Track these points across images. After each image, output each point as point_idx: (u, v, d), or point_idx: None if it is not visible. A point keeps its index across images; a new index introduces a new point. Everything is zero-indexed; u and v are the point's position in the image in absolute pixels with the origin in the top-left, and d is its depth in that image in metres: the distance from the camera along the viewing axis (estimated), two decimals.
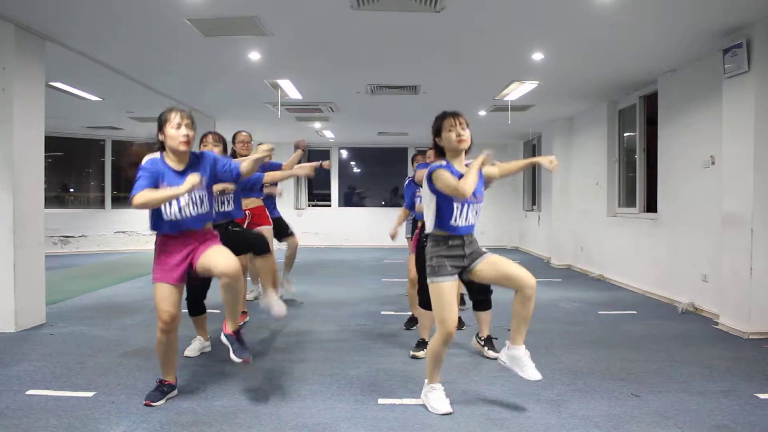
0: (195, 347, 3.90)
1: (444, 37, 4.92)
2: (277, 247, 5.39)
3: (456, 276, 2.85)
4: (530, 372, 2.90)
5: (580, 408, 2.93)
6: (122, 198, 11.82)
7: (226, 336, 3.01)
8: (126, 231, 11.27)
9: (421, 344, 3.83)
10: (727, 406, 2.95)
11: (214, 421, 2.74)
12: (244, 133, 4.86)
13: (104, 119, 9.36)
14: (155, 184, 2.80)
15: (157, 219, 2.88)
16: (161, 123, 2.88)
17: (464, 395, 3.12)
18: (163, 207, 2.81)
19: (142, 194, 2.70)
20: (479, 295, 3.89)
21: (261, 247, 3.90)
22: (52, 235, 10.24)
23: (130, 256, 10.22)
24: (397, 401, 3.03)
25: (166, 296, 2.87)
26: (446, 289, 2.80)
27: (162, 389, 3.00)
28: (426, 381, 2.98)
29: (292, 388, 3.21)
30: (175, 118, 2.86)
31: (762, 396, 3.10)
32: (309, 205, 13.09)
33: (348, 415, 2.83)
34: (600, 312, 5.47)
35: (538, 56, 5.45)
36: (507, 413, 2.87)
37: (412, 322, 4.60)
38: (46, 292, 4.89)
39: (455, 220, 2.81)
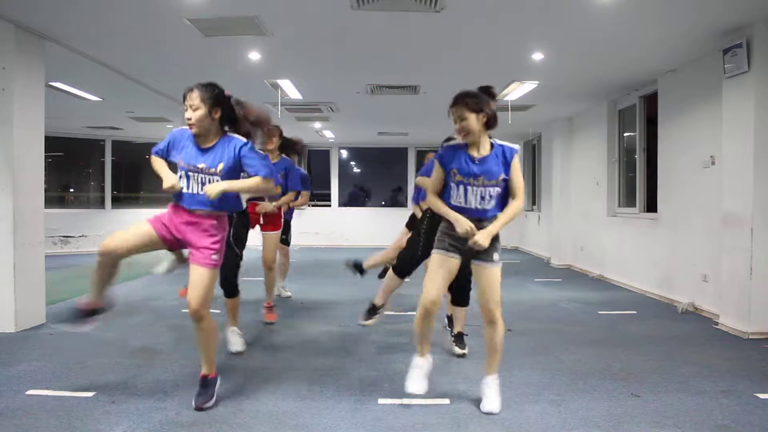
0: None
1: (444, 37, 4.92)
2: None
3: (452, 254, 2.86)
4: (487, 403, 2.89)
5: (580, 408, 2.93)
6: (122, 198, 11.83)
7: (199, 380, 2.96)
8: None
9: (372, 311, 4.03)
10: (727, 406, 2.95)
11: (214, 421, 2.74)
12: (271, 128, 4.59)
13: (104, 119, 9.36)
14: (167, 151, 2.91)
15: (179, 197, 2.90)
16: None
17: (464, 395, 3.12)
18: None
19: (155, 160, 2.96)
20: (458, 286, 3.82)
21: (228, 291, 4.00)
22: (52, 235, 10.23)
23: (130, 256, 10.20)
24: (397, 401, 3.03)
25: (135, 232, 2.84)
26: (436, 259, 2.89)
27: (86, 313, 2.94)
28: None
29: (292, 388, 3.21)
30: (186, 99, 2.80)
31: (762, 396, 3.10)
32: (309, 205, 13.09)
33: (348, 415, 2.83)
34: (600, 312, 5.47)
35: (538, 56, 5.45)
36: (507, 413, 2.87)
37: (360, 270, 4.88)
38: (46, 292, 4.89)
39: (453, 199, 2.86)
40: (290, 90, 6.92)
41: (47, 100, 4.92)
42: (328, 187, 13.18)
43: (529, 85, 6.71)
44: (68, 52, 5.19)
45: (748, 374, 3.50)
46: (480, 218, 2.83)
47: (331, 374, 3.47)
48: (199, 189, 2.82)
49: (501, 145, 2.87)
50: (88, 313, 2.98)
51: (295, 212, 6.20)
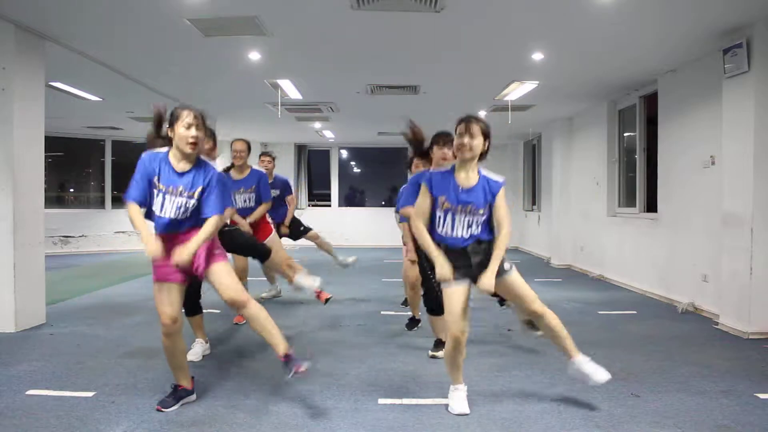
0: (197, 351, 3.82)
1: (444, 37, 4.92)
2: (296, 244, 5.53)
3: (460, 281, 2.82)
4: (596, 376, 2.93)
5: (580, 408, 2.93)
6: (122, 198, 11.83)
7: (282, 362, 2.90)
8: (126, 231, 11.26)
9: (439, 344, 3.82)
10: (727, 406, 2.95)
11: (214, 421, 2.74)
12: (238, 143, 4.72)
13: (104, 119, 9.36)
14: (148, 186, 2.80)
15: (149, 217, 2.88)
16: (172, 120, 2.82)
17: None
18: (152, 197, 2.82)
19: (132, 210, 2.78)
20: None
21: (261, 254, 4.08)
22: (52, 235, 10.24)
23: (130, 256, 10.22)
24: (397, 401, 3.03)
25: (165, 296, 2.82)
26: (450, 295, 2.82)
27: (176, 395, 2.94)
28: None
29: (292, 388, 3.21)
30: (187, 117, 2.78)
31: (762, 396, 3.10)
32: (309, 205, 13.10)
33: (348, 415, 2.83)
34: (600, 312, 5.47)
35: (538, 56, 5.45)
36: (507, 413, 2.87)
37: (413, 323, 4.60)
38: (46, 292, 4.89)
39: (438, 228, 2.83)
40: (290, 90, 6.92)
41: (47, 100, 4.92)
42: (328, 187, 13.19)
43: (529, 85, 6.71)
44: (68, 52, 5.19)
45: (748, 374, 3.50)
46: (469, 245, 2.82)
47: (331, 374, 3.47)
48: (175, 213, 2.81)
49: (487, 177, 2.84)
50: (183, 394, 2.97)
51: (296, 212, 6.20)
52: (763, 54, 4.36)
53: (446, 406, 2.95)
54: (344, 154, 13.59)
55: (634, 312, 5.49)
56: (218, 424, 2.71)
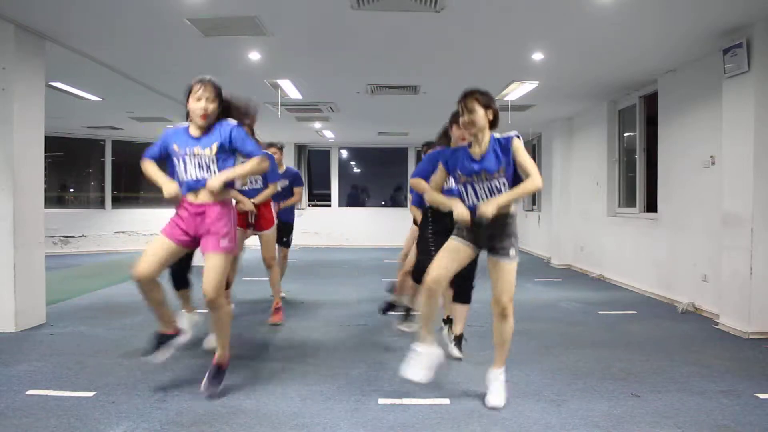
0: (184, 325, 3.65)
1: (444, 37, 4.92)
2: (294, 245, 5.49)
3: (467, 243, 2.92)
4: (491, 398, 2.94)
5: (580, 408, 2.93)
6: (122, 198, 11.83)
7: (211, 367, 3.10)
8: (126, 231, 11.27)
9: (407, 316, 3.79)
10: (727, 406, 2.95)
11: (215, 421, 2.74)
12: (272, 149, 4.96)
13: (104, 119, 9.36)
14: (163, 151, 3.02)
15: (172, 177, 3.03)
16: (187, 93, 2.96)
17: (464, 395, 3.12)
18: (175, 166, 2.98)
19: (146, 164, 3.04)
20: (460, 281, 3.61)
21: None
22: (52, 235, 10.24)
23: (130, 256, 10.22)
24: (397, 401, 3.03)
25: (157, 250, 2.91)
26: (449, 244, 2.95)
27: (160, 340, 3.07)
28: None
29: (292, 388, 3.21)
30: (197, 90, 2.92)
31: (762, 396, 3.10)
32: (309, 205, 13.10)
33: (348, 415, 2.83)
34: (600, 312, 5.47)
35: (538, 56, 5.45)
36: (507, 413, 2.87)
37: (390, 308, 4.64)
38: (46, 292, 4.89)
39: (467, 201, 2.92)
40: (290, 90, 6.92)
41: (47, 100, 4.92)
42: (328, 187, 13.19)
43: (529, 85, 6.71)
44: (68, 52, 5.19)
45: (748, 374, 3.50)
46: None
47: (331, 374, 3.47)
48: (198, 173, 2.94)
49: (497, 138, 2.91)
50: (164, 339, 3.12)
51: (296, 212, 6.20)
52: (763, 54, 4.36)
53: (446, 405, 2.96)
54: (344, 154, 13.60)
55: (634, 312, 5.49)
56: (218, 424, 2.71)
